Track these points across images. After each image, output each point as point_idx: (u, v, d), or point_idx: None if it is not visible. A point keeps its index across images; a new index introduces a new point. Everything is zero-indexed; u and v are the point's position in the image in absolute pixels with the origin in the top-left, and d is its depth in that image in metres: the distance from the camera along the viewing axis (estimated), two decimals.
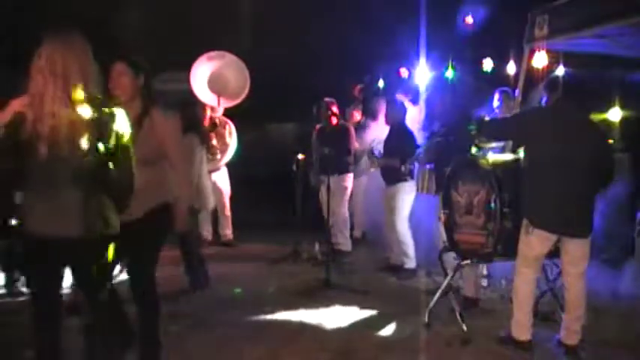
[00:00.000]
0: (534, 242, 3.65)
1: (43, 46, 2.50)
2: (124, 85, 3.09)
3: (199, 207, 5.03)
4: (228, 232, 6.94)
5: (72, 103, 2.46)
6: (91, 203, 2.55)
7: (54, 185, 2.50)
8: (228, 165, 6.74)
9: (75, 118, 2.46)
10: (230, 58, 6.14)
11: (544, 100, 3.86)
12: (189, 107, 5.20)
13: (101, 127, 2.51)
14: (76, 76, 2.48)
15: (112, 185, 2.60)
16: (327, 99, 6.28)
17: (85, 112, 2.48)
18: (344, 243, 6.37)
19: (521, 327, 3.72)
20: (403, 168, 5.44)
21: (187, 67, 6.17)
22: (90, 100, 2.52)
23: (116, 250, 2.76)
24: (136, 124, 2.98)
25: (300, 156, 6.47)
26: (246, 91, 6.16)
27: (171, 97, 5.39)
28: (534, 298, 3.80)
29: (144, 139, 3.00)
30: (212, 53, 6.10)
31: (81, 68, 2.51)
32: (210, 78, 6.11)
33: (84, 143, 2.46)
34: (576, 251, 3.66)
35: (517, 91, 5.62)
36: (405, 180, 5.53)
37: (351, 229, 6.98)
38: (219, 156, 6.47)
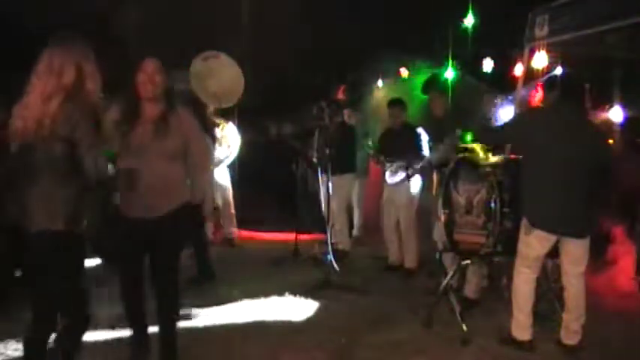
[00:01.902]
0: (534, 242, 3.65)
1: (44, 52, 2.60)
2: (157, 82, 3.13)
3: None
4: (232, 229, 6.93)
5: (59, 98, 2.55)
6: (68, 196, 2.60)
7: (31, 178, 2.58)
8: (229, 165, 6.75)
9: (53, 111, 2.54)
10: (224, 58, 6.13)
11: (544, 99, 3.86)
12: (197, 107, 5.22)
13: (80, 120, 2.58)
14: (70, 75, 2.57)
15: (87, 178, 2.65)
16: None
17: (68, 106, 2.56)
18: (343, 242, 6.37)
19: (522, 327, 3.73)
20: (410, 171, 5.44)
21: (187, 67, 6.16)
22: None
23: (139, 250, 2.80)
24: (162, 120, 3.08)
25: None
26: (241, 90, 6.15)
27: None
28: (534, 298, 3.80)
29: (170, 134, 3.08)
30: (207, 53, 6.09)
31: (77, 68, 2.60)
32: (207, 79, 6.10)
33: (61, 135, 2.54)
34: (576, 251, 3.66)
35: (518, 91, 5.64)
36: (409, 179, 5.53)
37: (351, 228, 6.99)
38: (218, 155, 6.48)
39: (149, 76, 3.11)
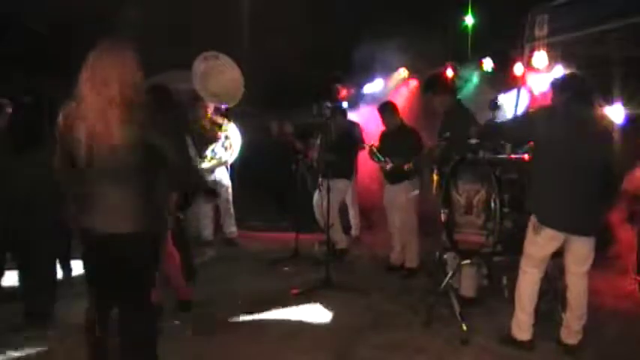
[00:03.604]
0: (541, 242, 3.62)
1: (89, 57, 2.65)
2: None
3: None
4: (233, 229, 6.92)
5: (111, 108, 2.60)
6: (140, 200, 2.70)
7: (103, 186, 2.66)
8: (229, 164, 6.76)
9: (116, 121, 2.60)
10: (224, 58, 6.13)
11: (554, 99, 3.83)
12: (182, 107, 5.23)
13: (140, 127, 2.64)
14: (114, 84, 2.61)
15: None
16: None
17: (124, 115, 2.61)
18: (340, 240, 6.34)
19: (523, 326, 3.73)
20: (406, 167, 5.43)
21: (187, 67, 6.16)
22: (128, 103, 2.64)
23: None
24: None
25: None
26: (242, 91, 6.16)
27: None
28: (537, 298, 3.79)
29: None
30: (207, 54, 6.09)
31: (119, 75, 2.64)
32: (207, 79, 6.11)
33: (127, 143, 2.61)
34: (581, 250, 3.64)
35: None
36: (409, 178, 5.52)
37: (348, 227, 6.99)
38: (220, 155, 6.48)
39: None
